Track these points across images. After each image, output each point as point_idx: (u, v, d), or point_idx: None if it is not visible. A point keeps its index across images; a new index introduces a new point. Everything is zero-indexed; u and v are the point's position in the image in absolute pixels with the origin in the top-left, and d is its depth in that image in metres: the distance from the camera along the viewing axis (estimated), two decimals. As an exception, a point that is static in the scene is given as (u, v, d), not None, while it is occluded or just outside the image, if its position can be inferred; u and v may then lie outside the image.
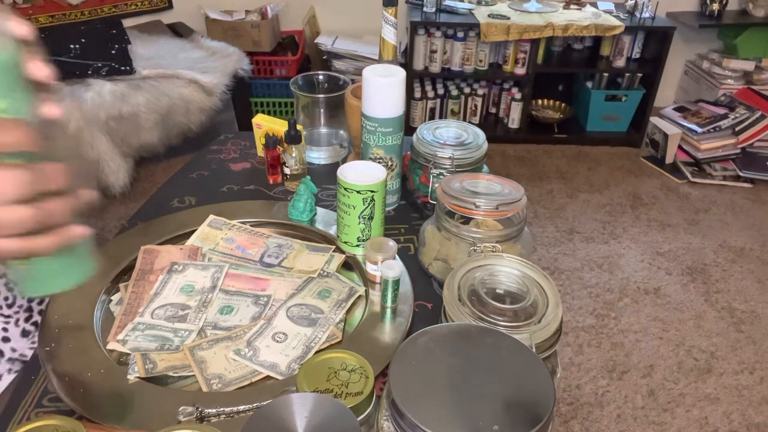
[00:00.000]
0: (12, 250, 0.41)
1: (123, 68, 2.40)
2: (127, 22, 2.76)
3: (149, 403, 0.57)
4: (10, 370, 0.71)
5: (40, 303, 0.76)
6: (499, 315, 0.56)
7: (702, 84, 3.19)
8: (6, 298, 0.74)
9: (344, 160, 1.06)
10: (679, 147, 2.86)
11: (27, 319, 0.75)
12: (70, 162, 0.43)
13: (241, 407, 0.55)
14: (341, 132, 1.07)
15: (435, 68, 2.93)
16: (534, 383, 0.44)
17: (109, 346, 0.63)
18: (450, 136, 0.88)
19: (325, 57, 2.87)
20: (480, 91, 3.06)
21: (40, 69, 0.43)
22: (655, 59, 2.93)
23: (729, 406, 1.69)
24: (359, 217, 0.75)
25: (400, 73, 0.81)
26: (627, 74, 3.02)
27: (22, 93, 0.45)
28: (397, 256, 0.72)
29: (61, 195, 0.42)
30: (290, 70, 2.85)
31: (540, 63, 2.94)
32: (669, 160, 2.88)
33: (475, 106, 3.08)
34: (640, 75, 3.01)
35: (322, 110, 1.05)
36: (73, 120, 2.25)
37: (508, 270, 0.61)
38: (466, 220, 0.74)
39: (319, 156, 1.06)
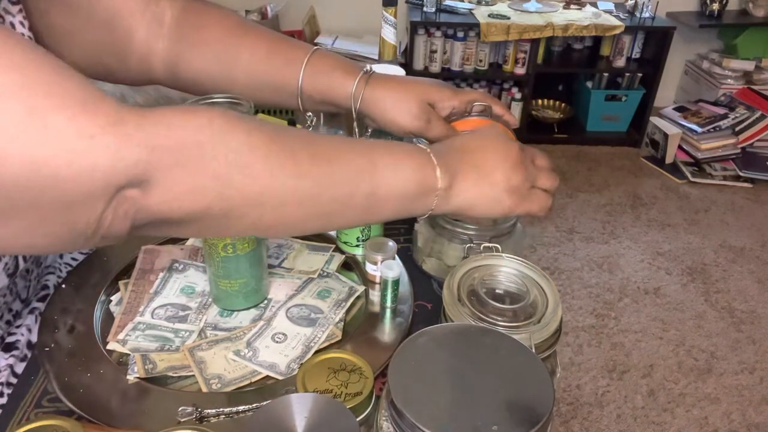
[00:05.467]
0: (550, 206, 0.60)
1: (123, 68, 2.40)
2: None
3: (149, 403, 0.57)
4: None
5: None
6: (499, 315, 0.56)
7: (702, 84, 3.19)
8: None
9: (344, 160, 1.05)
10: (679, 147, 2.86)
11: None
12: None
13: (241, 407, 0.55)
14: (341, 132, 1.07)
15: (435, 68, 2.93)
16: (534, 383, 0.44)
17: (109, 347, 0.63)
18: (450, 136, 0.88)
19: (325, 57, 2.87)
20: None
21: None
22: (655, 59, 2.93)
23: (729, 406, 1.69)
24: (359, 217, 0.75)
25: (400, 73, 0.81)
26: (627, 74, 3.02)
27: None
28: (396, 257, 0.72)
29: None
30: (290, 70, 2.84)
31: (540, 63, 2.94)
32: (669, 160, 2.88)
33: (475, 106, 3.07)
34: (640, 75, 3.01)
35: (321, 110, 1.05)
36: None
37: (507, 270, 0.61)
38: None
39: (318, 156, 1.06)
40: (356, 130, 0.70)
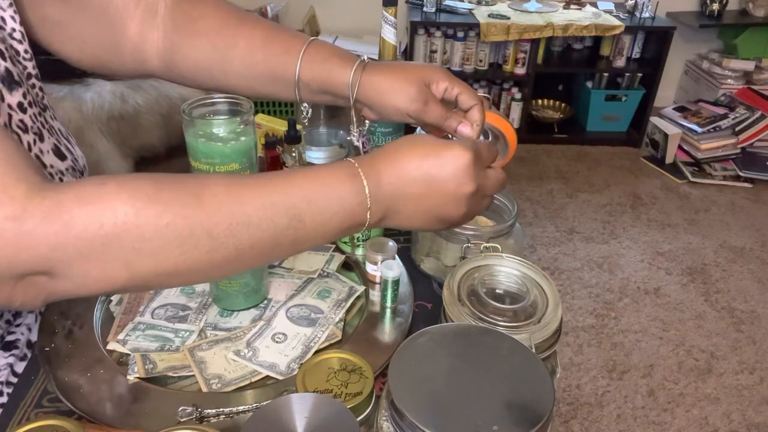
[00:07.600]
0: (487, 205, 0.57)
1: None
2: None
3: (149, 403, 0.57)
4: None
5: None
6: (499, 315, 0.56)
7: (702, 84, 3.19)
8: None
9: (344, 160, 1.05)
10: (679, 147, 2.86)
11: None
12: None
13: (241, 407, 0.55)
14: (341, 132, 1.07)
15: (435, 68, 2.93)
16: (534, 383, 0.44)
17: (109, 346, 0.63)
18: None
19: (325, 57, 2.87)
20: (480, 91, 3.03)
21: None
22: (655, 59, 2.93)
23: (729, 406, 1.69)
24: (359, 217, 0.75)
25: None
26: (627, 74, 3.02)
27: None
28: (396, 257, 0.72)
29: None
30: (290, 70, 2.84)
31: (540, 63, 2.94)
32: (669, 160, 2.88)
33: (475, 106, 3.08)
34: (640, 75, 3.01)
35: (321, 110, 1.05)
36: (73, 120, 2.25)
37: (507, 270, 0.61)
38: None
39: (318, 156, 1.05)
40: (354, 120, 0.70)
